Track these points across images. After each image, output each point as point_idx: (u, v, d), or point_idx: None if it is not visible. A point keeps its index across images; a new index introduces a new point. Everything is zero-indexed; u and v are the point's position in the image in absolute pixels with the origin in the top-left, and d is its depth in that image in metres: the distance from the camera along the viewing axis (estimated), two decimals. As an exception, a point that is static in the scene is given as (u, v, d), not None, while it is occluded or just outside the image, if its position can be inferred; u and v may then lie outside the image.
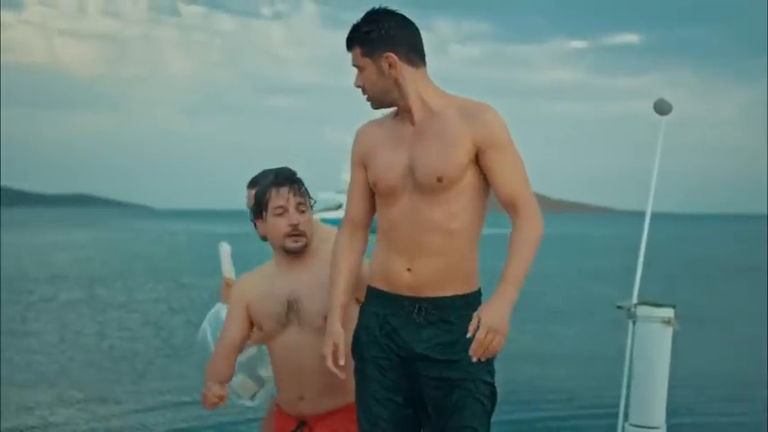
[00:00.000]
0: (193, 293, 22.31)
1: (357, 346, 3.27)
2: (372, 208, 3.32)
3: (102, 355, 13.30)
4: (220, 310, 3.94)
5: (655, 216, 4.59)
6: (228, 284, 3.98)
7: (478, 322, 2.92)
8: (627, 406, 4.28)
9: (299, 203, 3.49)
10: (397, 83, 3.17)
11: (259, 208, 3.54)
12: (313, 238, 3.54)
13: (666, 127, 4.63)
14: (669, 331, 4.24)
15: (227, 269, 3.96)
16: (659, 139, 4.62)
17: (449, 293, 3.14)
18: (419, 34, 3.22)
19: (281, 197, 3.48)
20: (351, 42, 3.21)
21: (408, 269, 3.15)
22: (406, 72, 3.17)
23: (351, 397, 3.40)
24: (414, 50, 3.19)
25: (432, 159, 3.10)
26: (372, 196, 3.29)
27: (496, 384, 3.18)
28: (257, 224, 3.62)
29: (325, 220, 4.21)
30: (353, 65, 3.23)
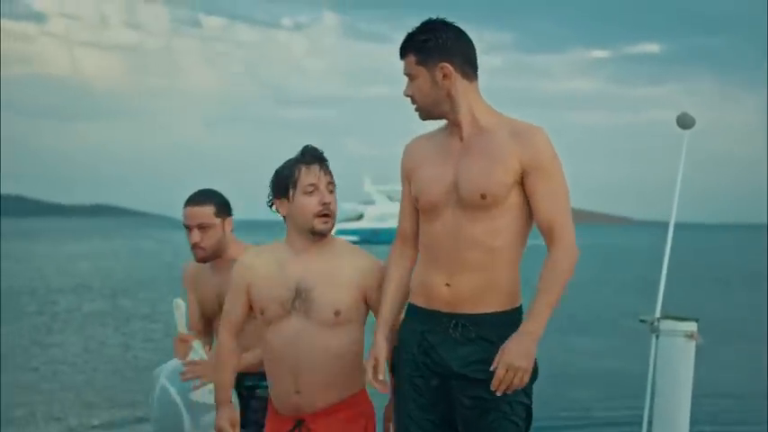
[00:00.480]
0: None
1: (395, 363, 3.24)
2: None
3: (127, 365, 13.40)
4: (177, 367, 3.79)
5: (676, 226, 4.57)
6: (182, 340, 3.84)
7: (500, 359, 2.90)
8: (650, 420, 4.29)
9: (329, 183, 3.35)
10: (449, 95, 3.11)
11: (284, 186, 3.34)
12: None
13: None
14: (692, 345, 4.25)
15: (181, 325, 3.82)
16: (682, 152, 4.61)
17: (488, 310, 3.08)
18: (474, 48, 3.16)
19: (311, 175, 3.31)
20: (405, 50, 3.15)
21: (447, 284, 3.09)
22: (459, 84, 3.11)
23: (349, 390, 3.37)
24: (468, 63, 3.13)
25: (476, 176, 3.05)
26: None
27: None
28: (277, 204, 3.40)
29: (346, 232, 4.18)
30: (405, 73, 3.15)
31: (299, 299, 3.29)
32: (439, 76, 3.09)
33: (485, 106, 3.15)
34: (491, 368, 2.90)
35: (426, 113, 3.17)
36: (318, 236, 3.33)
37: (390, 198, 71.59)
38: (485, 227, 3.06)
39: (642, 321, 4.40)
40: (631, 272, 35.77)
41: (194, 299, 4.07)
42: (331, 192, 3.35)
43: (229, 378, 3.50)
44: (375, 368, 3.16)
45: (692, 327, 4.27)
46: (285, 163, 3.38)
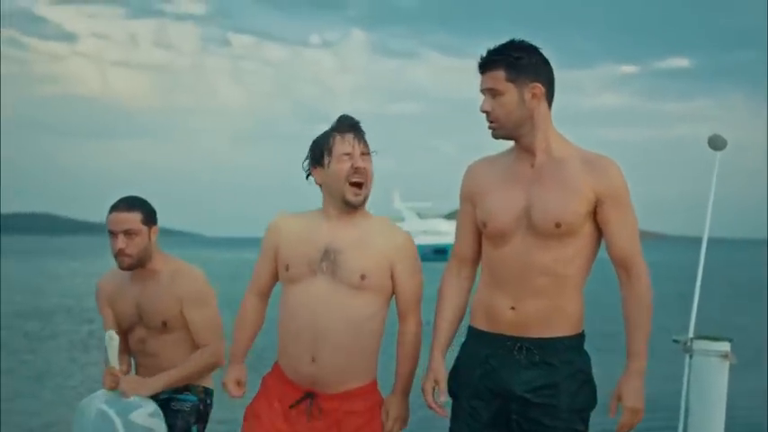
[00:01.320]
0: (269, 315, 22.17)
1: (453, 384, 3.22)
2: (480, 245, 3.25)
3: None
4: (111, 395, 3.78)
5: (709, 242, 4.58)
6: (111, 373, 3.76)
7: (618, 403, 3.03)
8: None
9: (363, 152, 3.34)
10: (531, 117, 3.09)
11: (320, 154, 3.35)
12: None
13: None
14: (726, 365, 4.25)
15: (113, 358, 3.77)
16: (714, 173, 4.61)
17: (553, 335, 3.09)
18: (554, 76, 3.15)
19: (346, 143, 3.32)
20: (493, 64, 3.09)
21: (512, 308, 3.10)
22: (542, 108, 3.10)
23: (364, 375, 3.34)
24: (551, 90, 3.13)
25: (551, 205, 3.05)
26: (481, 233, 3.22)
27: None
28: (314, 173, 3.40)
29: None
30: (488, 87, 3.10)
31: (327, 260, 3.29)
32: (528, 95, 3.07)
33: (557, 134, 3.15)
34: (611, 415, 3.03)
35: (504, 132, 3.13)
36: (350, 207, 3.34)
37: (420, 215, 71.45)
38: (555, 254, 3.07)
39: (675, 341, 4.40)
40: (666, 288, 35.51)
41: (110, 314, 4.00)
42: (365, 159, 3.34)
43: (247, 336, 3.52)
44: (434, 390, 3.18)
45: (725, 347, 4.26)
46: (323, 133, 3.39)
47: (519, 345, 3.10)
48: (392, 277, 3.34)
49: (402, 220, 71.85)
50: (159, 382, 3.82)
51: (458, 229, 3.30)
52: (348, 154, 3.31)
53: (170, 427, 3.82)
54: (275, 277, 3.46)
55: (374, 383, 3.41)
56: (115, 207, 3.85)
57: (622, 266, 3.10)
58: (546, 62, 3.12)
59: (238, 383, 3.48)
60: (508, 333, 3.11)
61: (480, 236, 3.22)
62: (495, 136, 3.15)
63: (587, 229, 3.09)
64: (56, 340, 18.61)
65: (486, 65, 3.10)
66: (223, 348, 3.91)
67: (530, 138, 3.11)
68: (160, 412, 3.78)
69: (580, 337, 3.16)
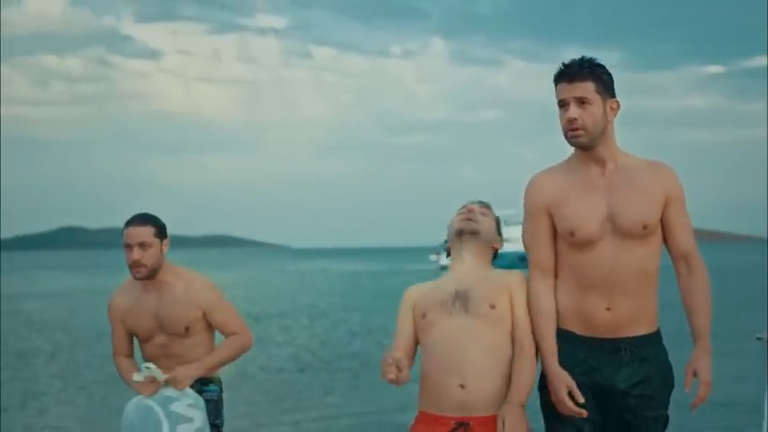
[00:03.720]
0: (365, 324, 22.84)
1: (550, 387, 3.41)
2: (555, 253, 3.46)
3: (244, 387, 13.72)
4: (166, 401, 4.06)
5: None
6: (152, 382, 4.09)
7: (693, 378, 3.28)
8: None
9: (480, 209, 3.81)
10: (605, 129, 3.34)
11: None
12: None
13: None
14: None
15: (161, 374, 4.07)
16: None
17: (642, 332, 3.37)
18: None
19: (463, 211, 3.78)
20: (585, 76, 3.31)
21: (608, 308, 3.33)
22: (613, 122, 3.37)
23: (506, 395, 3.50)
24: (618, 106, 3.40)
25: (636, 209, 3.30)
26: (555, 242, 3.44)
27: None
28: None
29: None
30: (577, 96, 3.30)
31: (459, 299, 3.58)
32: (608, 109, 3.33)
33: (617, 145, 3.41)
34: (686, 389, 3.28)
35: (589, 140, 3.33)
36: (464, 235, 3.70)
37: (504, 222, 71.11)
38: (641, 254, 3.33)
39: (759, 339, 4.53)
40: (743, 288, 34.96)
41: (122, 329, 4.34)
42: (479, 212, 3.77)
43: None
44: (568, 395, 3.32)
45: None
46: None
47: (616, 345, 3.34)
48: (511, 303, 3.56)
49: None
50: (200, 370, 4.19)
51: (534, 240, 3.46)
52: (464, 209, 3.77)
53: (217, 417, 4.27)
54: (414, 337, 3.69)
55: None
56: (130, 222, 4.21)
57: (684, 260, 3.39)
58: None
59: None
60: (605, 335, 3.35)
61: (555, 245, 3.43)
62: (577, 143, 3.35)
63: (659, 229, 3.36)
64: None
65: (575, 75, 3.30)
66: (250, 337, 4.33)
67: (602, 147, 3.35)
68: (200, 402, 4.13)
69: (659, 332, 3.43)
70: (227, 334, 4.31)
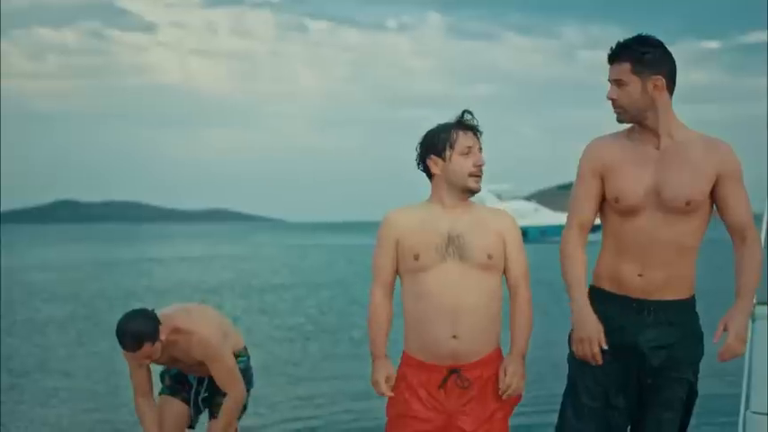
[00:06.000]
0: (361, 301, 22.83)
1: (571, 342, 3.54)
2: (596, 214, 3.58)
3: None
4: None
5: None
6: None
7: (724, 329, 3.38)
8: (748, 395, 4.57)
9: (480, 147, 3.69)
10: (654, 105, 3.42)
11: (441, 147, 3.62)
12: None
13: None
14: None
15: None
16: None
17: (674, 297, 3.48)
18: (676, 67, 3.50)
19: (468, 138, 3.64)
20: (620, 57, 3.43)
21: (640, 275, 3.45)
22: (664, 97, 3.44)
23: (495, 342, 3.63)
24: (673, 81, 3.46)
25: (682, 185, 3.40)
26: (599, 203, 3.55)
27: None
28: (431, 162, 3.66)
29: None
30: (614, 78, 3.44)
31: (453, 245, 3.56)
32: (650, 86, 3.41)
33: (676, 120, 3.50)
34: (714, 340, 3.43)
35: (629, 117, 3.48)
36: (470, 193, 3.67)
37: (498, 196, 70.87)
38: (681, 229, 3.44)
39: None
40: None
41: (144, 370, 4.84)
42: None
43: (384, 332, 3.70)
44: (600, 342, 3.43)
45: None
46: (439, 126, 3.69)
47: (645, 307, 3.46)
48: (506, 253, 3.65)
49: (483, 202, 70.97)
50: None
51: (580, 198, 3.55)
52: (469, 147, 3.64)
53: (248, 384, 4.92)
54: (396, 266, 3.68)
55: (499, 349, 3.72)
56: (124, 347, 4.64)
57: (739, 233, 3.49)
58: (668, 56, 3.46)
59: (388, 380, 3.64)
60: (634, 296, 3.47)
61: (598, 206, 3.55)
62: (621, 120, 3.51)
63: (706, 204, 3.47)
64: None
65: (614, 57, 3.45)
66: (241, 390, 4.83)
67: (654, 122, 3.44)
68: None
69: (693, 298, 3.55)
70: (221, 386, 4.82)
